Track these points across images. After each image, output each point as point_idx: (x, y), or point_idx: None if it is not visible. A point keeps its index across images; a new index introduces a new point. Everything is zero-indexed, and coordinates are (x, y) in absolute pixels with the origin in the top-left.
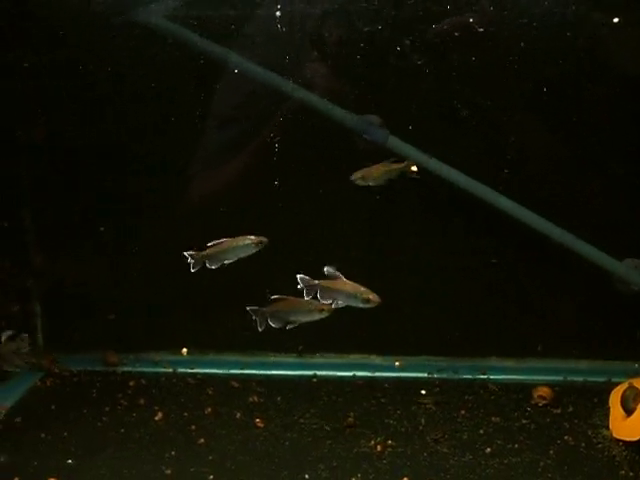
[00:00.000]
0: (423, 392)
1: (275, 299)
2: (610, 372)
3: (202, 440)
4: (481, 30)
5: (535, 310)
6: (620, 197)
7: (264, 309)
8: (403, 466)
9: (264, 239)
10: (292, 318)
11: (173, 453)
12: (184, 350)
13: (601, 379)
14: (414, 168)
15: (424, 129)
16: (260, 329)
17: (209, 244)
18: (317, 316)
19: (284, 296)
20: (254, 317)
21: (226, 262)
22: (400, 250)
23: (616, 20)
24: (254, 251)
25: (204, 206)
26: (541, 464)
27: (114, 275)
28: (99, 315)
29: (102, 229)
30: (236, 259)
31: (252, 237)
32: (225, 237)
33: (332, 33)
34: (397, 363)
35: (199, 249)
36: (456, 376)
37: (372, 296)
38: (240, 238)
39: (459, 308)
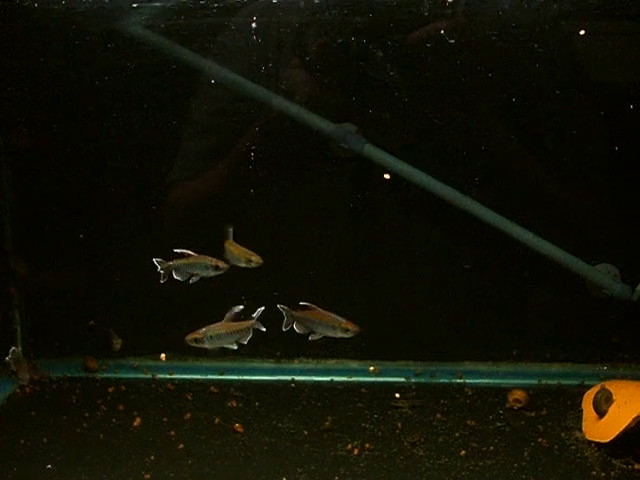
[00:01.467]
0: (399, 396)
1: (304, 306)
2: (583, 375)
3: (181, 445)
4: (452, 41)
5: (510, 315)
6: (593, 203)
7: (294, 312)
8: (380, 469)
9: (223, 265)
10: (318, 330)
11: (152, 458)
12: (162, 355)
13: (575, 382)
14: (386, 176)
15: (399, 137)
16: (285, 329)
17: (176, 250)
18: (340, 334)
19: (312, 305)
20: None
21: (192, 280)
22: (376, 257)
23: (582, 32)
24: (213, 274)
25: (188, 214)
26: (515, 466)
27: (94, 282)
28: (78, 322)
29: (82, 236)
30: (198, 278)
31: (211, 259)
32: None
33: (310, 43)
34: (372, 368)
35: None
36: (432, 380)
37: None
38: (201, 257)
39: (435, 313)
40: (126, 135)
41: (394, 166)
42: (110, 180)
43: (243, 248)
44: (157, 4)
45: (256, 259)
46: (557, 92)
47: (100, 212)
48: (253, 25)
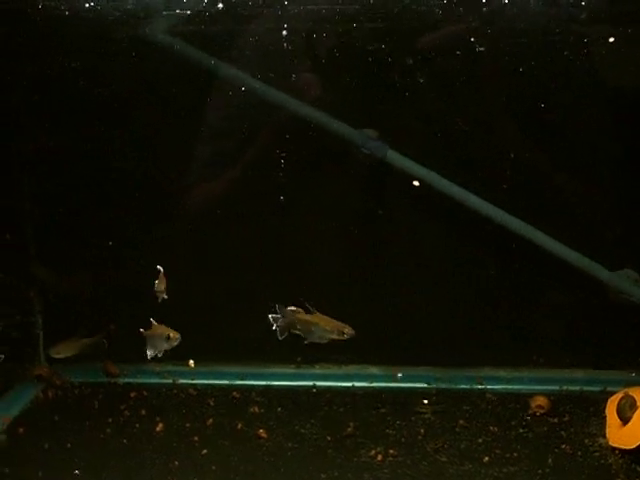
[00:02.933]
0: (424, 401)
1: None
2: (605, 381)
3: (205, 451)
4: (470, 43)
5: (530, 320)
6: (616, 210)
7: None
8: (404, 475)
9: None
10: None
11: (177, 464)
12: (191, 362)
13: (597, 388)
14: (416, 183)
15: (422, 143)
16: (280, 338)
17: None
18: (335, 336)
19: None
20: (275, 325)
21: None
22: (397, 261)
23: (612, 40)
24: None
25: (204, 218)
26: (539, 472)
27: (115, 286)
28: (99, 327)
29: (110, 243)
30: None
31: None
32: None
33: (330, 48)
34: (400, 375)
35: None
36: (453, 386)
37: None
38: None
39: (456, 318)
40: (149, 140)
41: (417, 172)
42: (133, 186)
43: (334, 321)
44: (181, 12)
45: (348, 330)
46: (584, 97)
47: (122, 218)
48: (272, 31)
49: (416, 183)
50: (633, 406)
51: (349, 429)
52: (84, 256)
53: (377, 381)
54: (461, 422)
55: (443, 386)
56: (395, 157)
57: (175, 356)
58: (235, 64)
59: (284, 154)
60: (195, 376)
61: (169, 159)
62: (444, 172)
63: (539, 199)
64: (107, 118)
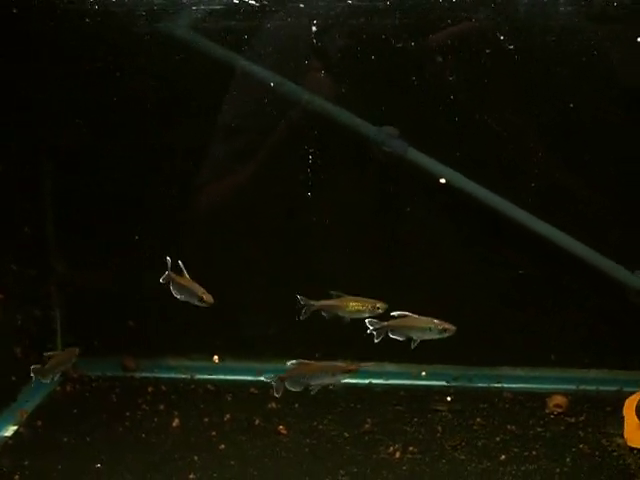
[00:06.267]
0: (439, 400)
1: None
2: (622, 381)
3: (223, 446)
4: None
5: (549, 320)
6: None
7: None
8: (422, 473)
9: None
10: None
11: (196, 458)
12: (215, 357)
13: (613, 388)
14: (442, 180)
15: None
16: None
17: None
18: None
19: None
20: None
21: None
22: (415, 260)
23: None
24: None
25: (224, 213)
26: (557, 471)
27: (133, 281)
28: (118, 321)
29: (137, 237)
30: None
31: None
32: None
33: (349, 44)
34: (418, 372)
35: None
36: (470, 384)
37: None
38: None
39: (474, 317)
40: (170, 138)
41: (437, 170)
42: (153, 182)
43: (362, 299)
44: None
45: (381, 305)
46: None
47: (142, 213)
48: (286, 27)
49: (443, 181)
50: None
51: (367, 426)
52: (103, 251)
53: (394, 378)
54: (479, 420)
55: (460, 384)
56: (415, 155)
57: (193, 351)
58: (254, 60)
59: (303, 152)
60: (213, 371)
61: (190, 155)
62: (464, 170)
63: (560, 199)
64: (128, 116)
